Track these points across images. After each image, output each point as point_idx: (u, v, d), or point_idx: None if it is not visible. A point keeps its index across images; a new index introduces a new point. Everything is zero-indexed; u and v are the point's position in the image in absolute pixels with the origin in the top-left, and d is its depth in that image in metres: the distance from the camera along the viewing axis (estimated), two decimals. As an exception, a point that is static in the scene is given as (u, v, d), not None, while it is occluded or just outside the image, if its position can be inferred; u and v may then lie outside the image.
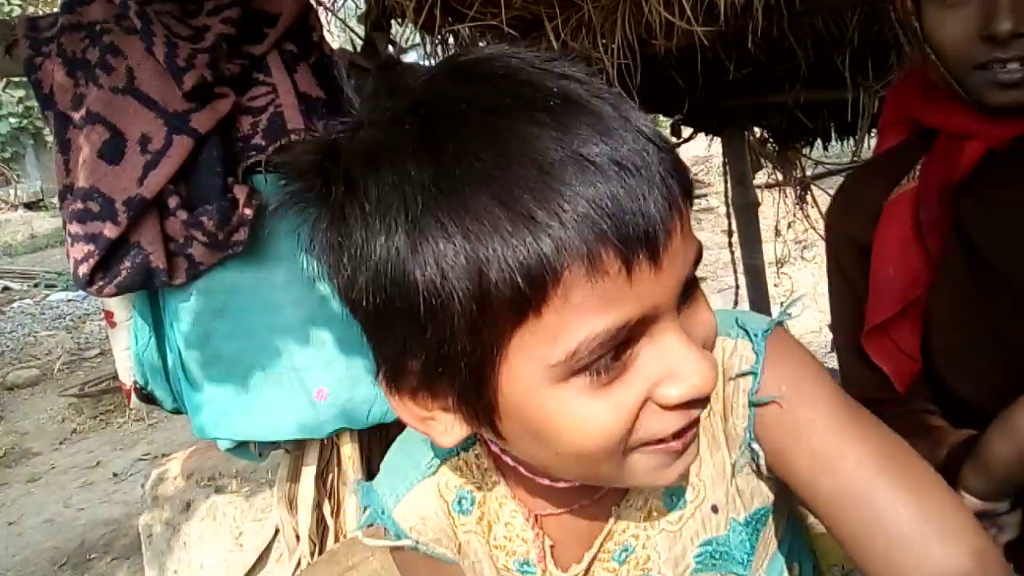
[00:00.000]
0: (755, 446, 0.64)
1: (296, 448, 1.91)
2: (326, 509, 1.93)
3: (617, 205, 0.44)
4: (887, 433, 0.63)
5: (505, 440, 0.56)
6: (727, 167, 2.95)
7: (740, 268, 3.08)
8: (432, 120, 0.48)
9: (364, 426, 1.81)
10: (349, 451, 1.88)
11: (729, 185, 2.97)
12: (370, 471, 1.97)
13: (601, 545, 0.70)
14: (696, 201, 8.41)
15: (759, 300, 3.00)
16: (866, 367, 1.08)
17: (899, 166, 1.06)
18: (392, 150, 0.48)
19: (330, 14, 2.02)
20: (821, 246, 1.20)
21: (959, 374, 1.01)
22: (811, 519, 0.80)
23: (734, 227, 3.04)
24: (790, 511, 0.76)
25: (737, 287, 3.15)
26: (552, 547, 0.71)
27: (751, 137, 2.91)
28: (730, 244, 3.10)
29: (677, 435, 0.54)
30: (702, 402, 0.53)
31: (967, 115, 0.98)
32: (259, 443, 1.79)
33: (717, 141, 3.00)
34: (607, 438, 0.51)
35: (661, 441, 0.54)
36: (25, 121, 14.58)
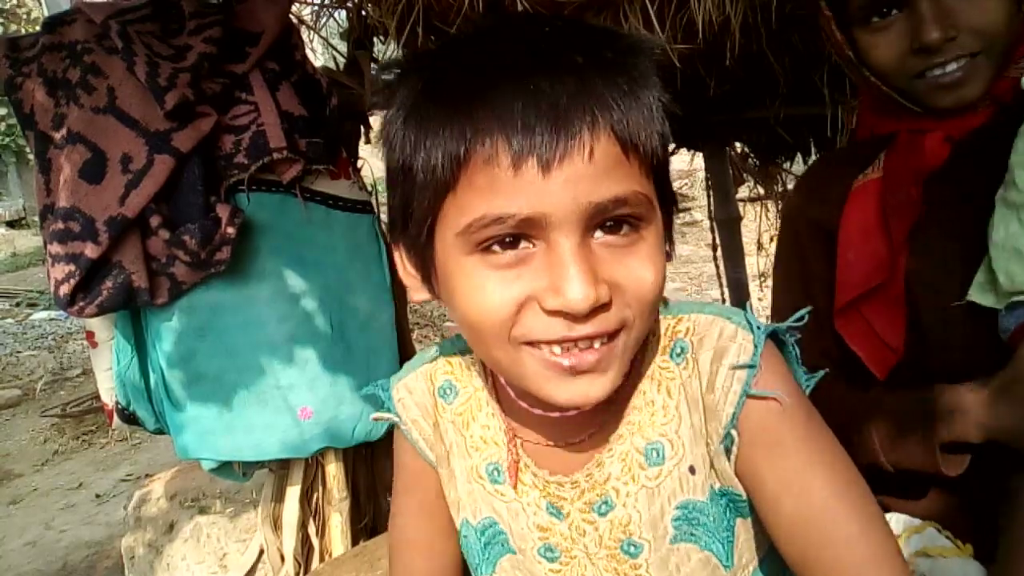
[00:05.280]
0: (733, 432, 0.69)
1: (280, 468, 1.90)
2: (311, 529, 1.91)
3: (524, 116, 0.56)
4: (851, 468, 0.68)
5: (442, 302, 0.68)
6: (709, 182, 2.97)
7: (725, 281, 3.10)
8: (453, 46, 0.66)
9: (349, 444, 1.80)
10: (334, 470, 1.87)
11: (712, 199, 2.99)
12: (355, 490, 1.96)
13: (581, 493, 0.75)
14: (680, 215, 8.47)
15: (743, 313, 3.02)
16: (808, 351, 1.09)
17: (862, 157, 1.09)
18: (424, 60, 0.66)
19: (312, 32, 2.03)
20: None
21: (944, 346, 1.01)
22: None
23: (718, 241, 3.06)
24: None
25: (724, 300, 3.16)
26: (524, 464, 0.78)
27: (733, 152, 2.93)
28: (715, 258, 3.11)
29: (563, 348, 0.62)
30: (583, 320, 0.60)
31: (919, 119, 1.03)
32: (243, 463, 1.78)
33: (700, 156, 3.03)
34: (489, 312, 0.61)
35: (544, 346, 0.62)
36: (7, 139, 14.49)
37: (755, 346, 0.69)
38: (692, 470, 0.72)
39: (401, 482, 0.89)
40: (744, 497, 0.71)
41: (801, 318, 0.72)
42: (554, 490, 0.76)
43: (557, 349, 0.62)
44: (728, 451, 0.70)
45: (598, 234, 0.61)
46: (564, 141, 0.56)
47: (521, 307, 0.61)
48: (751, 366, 0.68)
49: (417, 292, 0.70)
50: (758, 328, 0.70)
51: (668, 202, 0.67)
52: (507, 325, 0.62)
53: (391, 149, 0.64)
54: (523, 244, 0.60)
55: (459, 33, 0.67)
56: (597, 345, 0.62)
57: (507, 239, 0.60)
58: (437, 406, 0.84)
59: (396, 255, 0.71)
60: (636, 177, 0.60)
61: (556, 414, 0.70)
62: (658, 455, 0.73)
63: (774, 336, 0.72)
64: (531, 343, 0.62)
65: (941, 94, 0.97)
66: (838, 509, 0.65)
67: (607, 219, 0.60)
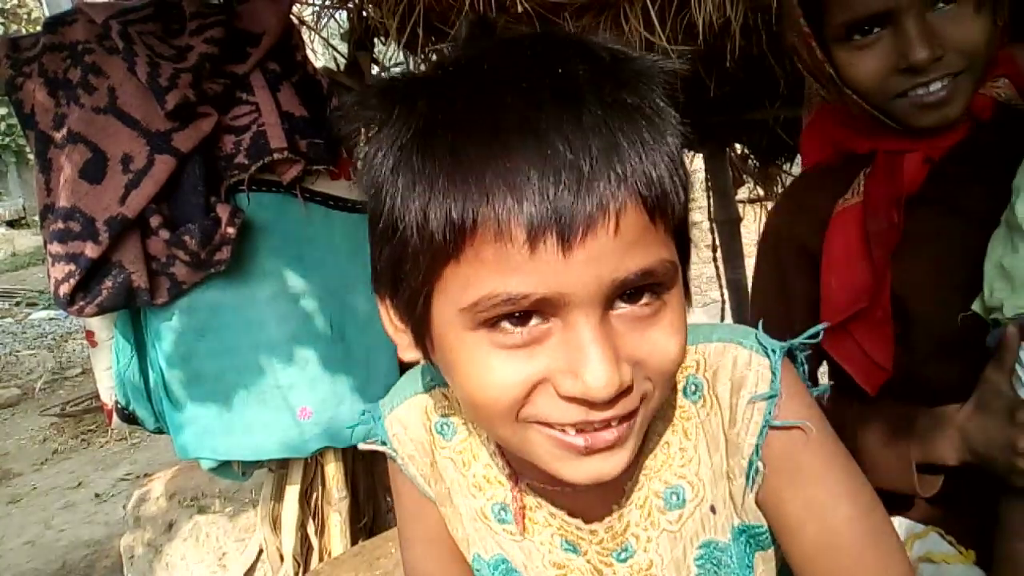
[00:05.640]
0: (759, 464, 0.66)
1: (280, 467, 1.90)
2: (310, 528, 1.92)
3: (543, 184, 0.49)
4: (869, 490, 0.67)
5: (439, 370, 0.62)
6: (709, 183, 2.97)
7: (724, 283, 3.10)
8: (450, 78, 0.55)
9: (348, 444, 1.80)
10: (333, 470, 1.87)
11: (711, 201, 2.99)
12: (354, 490, 1.96)
13: (600, 541, 0.72)
14: (680, 216, 8.47)
15: (742, 314, 3.02)
16: None
17: (842, 179, 1.08)
18: (416, 92, 0.55)
19: (313, 33, 2.03)
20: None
21: (934, 363, 1.02)
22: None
23: (717, 242, 3.06)
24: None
25: (723, 302, 3.16)
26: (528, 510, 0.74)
27: (732, 153, 2.93)
28: (714, 259, 3.11)
29: (579, 431, 0.56)
30: (603, 406, 0.54)
31: (898, 137, 1.02)
32: (242, 462, 1.78)
33: (699, 157, 3.03)
34: (497, 395, 0.55)
35: (555, 428, 0.57)
36: (7, 139, 14.50)
37: (773, 373, 0.65)
38: (713, 509, 0.69)
39: (403, 512, 0.84)
40: (764, 529, 0.69)
41: (816, 335, 0.69)
42: (573, 531, 0.73)
43: (572, 431, 0.57)
44: (751, 481, 0.67)
45: (618, 305, 0.55)
46: (587, 214, 0.49)
47: (533, 388, 0.55)
48: (771, 396, 0.65)
49: (408, 352, 0.63)
50: (773, 352, 0.66)
51: (687, 255, 0.61)
52: (516, 407, 0.56)
53: (376, 198, 0.56)
54: (535, 320, 0.54)
55: (455, 60, 0.57)
56: (615, 424, 0.57)
57: (517, 315, 0.54)
58: (434, 443, 0.78)
59: (381, 308, 0.64)
60: (662, 243, 0.54)
61: None
62: (678, 498, 0.69)
63: (787, 353, 0.68)
64: (542, 423, 0.57)
65: (924, 114, 0.96)
66: (860, 534, 0.64)
67: (628, 289, 0.54)
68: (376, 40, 1.93)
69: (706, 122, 2.35)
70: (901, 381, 1.02)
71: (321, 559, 1.90)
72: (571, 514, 0.73)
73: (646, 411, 0.59)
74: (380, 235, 0.57)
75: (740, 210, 3.00)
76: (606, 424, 0.56)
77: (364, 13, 1.84)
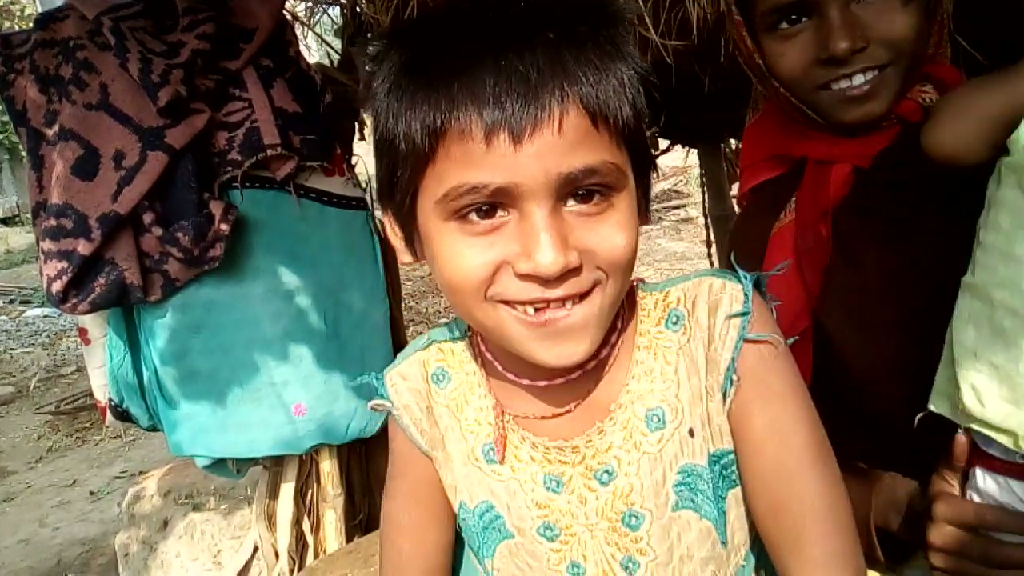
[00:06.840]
0: (734, 377, 0.72)
1: (274, 464, 1.90)
2: (305, 525, 1.92)
3: (496, 92, 0.59)
4: (822, 427, 0.73)
5: (424, 262, 0.73)
6: (704, 179, 2.98)
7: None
8: (435, 18, 0.67)
9: (343, 441, 1.80)
10: (328, 467, 1.87)
11: (707, 196, 2.99)
12: (349, 487, 1.96)
13: (582, 459, 0.76)
14: (675, 211, 8.46)
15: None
16: None
17: (779, 198, 1.07)
18: (409, 31, 0.69)
19: (306, 29, 2.02)
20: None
21: (861, 375, 1.00)
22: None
23: (712, 238, 3.07)
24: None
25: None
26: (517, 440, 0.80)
27: (727, 149, 2.93)
28: (709, 254, 3.12)
29: (537, 311, 0.65)
30: (554, 284, 0.63)
31: (828, 140, 1.00)
32: (237, 460, 1.78)
33: (694, 153, 3.03)
34: (466, 275, 0.65)
35: (519, 306, 0.65)
36: (0, 136, 14.44)
37: (745, 294, 0.72)
38: (691, 433, 0.74)
39: (393, 467, 0.90)
40: (733, 456, 0.74)
41: (782, 268, 0.79)
42: (555, 456, 0.77)
43: (531, 310, 0.65)
44: (726, 395, 0.72)
45: (570, 203, 0.64)
46: (533, 114, 0.59)
47: (496, 271, 0.65)
48: (745, 312, 0.72)
49: (402, 254, 0.74)
50: (745, 278, 0.73)
51: (644, 168, 0.70)
52: (483, 287, 0.65)
53: (377, 120, 0.67)
54: (499, 213, 0.64)
55: (440, 6, 0.68)
56: (570, 306, 0.65)
57: (484, 207, 0.63)
58: (431, 391, 0.85)
59: (384, 219, 0.74)
60: (606, 147, 0.63)
61: (543, 383, 0.75)
62: (659, 420, 0.75)
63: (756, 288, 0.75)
64: (507, 302, 0.66)
65: (847, 108, 0.94)
66: (811, 461, 0.70)
67: (578, 188, 0.63)
68: (370, 35, 1.92)
69: (701, 118, 2.35)
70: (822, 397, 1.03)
71: (316, 556, 1.90)
72: (553, 438, 0.78)
73: (603, 298, 0.67)
74: (379, 149, 0.68)
75: (735, 205, 3.01)
76: (561, 304, 0.65)
77: (357, 8, 1.84)
